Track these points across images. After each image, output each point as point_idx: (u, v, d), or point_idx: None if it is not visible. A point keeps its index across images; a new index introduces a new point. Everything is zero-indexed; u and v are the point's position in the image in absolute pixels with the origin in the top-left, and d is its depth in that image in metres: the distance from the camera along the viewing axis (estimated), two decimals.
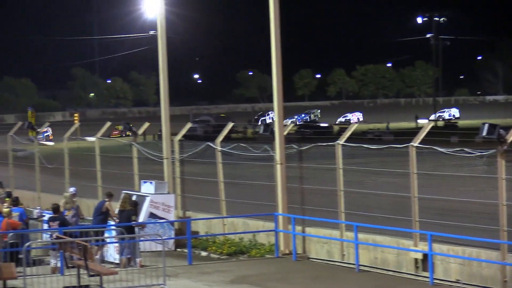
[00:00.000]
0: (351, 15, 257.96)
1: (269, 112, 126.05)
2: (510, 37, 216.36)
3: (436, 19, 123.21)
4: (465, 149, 27.28)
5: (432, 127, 29.29)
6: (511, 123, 33.03)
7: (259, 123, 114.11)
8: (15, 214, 30.48)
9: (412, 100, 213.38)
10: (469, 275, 24.88)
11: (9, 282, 24.24)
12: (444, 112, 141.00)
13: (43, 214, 33.59)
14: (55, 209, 30.39)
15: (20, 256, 25.41)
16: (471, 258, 24.91)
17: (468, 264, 24.98)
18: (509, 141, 24.27)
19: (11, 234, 29.28)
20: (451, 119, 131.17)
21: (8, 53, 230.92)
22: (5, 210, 30.30)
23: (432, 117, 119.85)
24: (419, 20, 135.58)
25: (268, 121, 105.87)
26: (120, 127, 72.59)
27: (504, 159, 24.39)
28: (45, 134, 62.41)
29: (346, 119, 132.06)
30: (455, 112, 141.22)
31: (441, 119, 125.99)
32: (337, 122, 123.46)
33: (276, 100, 32.36)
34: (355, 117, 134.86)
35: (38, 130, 47.96)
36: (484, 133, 25.35)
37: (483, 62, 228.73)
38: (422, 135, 27.12)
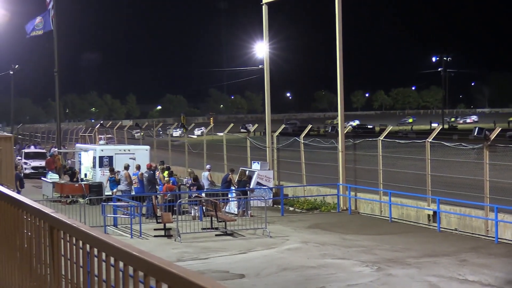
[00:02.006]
0: (387, 52, 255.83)
1: (334, 120, 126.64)
2: (492, 70, 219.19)
3: (445, 58, 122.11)
4: (463, 144, 27.06)
5: (441, 129, 29.02)
6: (493, 127, 32.54)
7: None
8: (171, 181, 30.97)
9: (428, 111, 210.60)
10: (464, 226, 24.67)
11: (168, 225, 24.63)
12: (466, 118, 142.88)
13: (188, 181, 34.07)
14: (195, 178, 30.81)
15: (175, 208, 25.85)
16: (465, 215, 24.71)
17: (463, 218, 24.78)
18: (491, 139, 24.06)
19: (169, 194, 29.77)
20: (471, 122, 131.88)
21: (167, 77, 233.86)
22: (166, 179, 30.82)
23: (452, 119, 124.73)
24: (433, 59, 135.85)
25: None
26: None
27: (488, 150, 24.17)
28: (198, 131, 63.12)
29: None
30: (474, 118, 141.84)
31: (449, 123, 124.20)
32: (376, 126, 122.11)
33: (340, 110, 32.42)
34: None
35: (187, 127, 48.59)
36: (475, 133, 25.17)
37: (475, 86, 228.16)
38: (434, 134, 26.97)
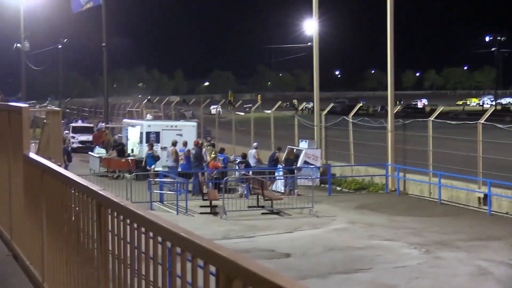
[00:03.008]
0: (439, 31, 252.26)
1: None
2: None
3: (499, 38, 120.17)
4: None
5: (493, 110, 28.60)
6: None
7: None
8: (221, 158, 31.01)
9: (479, 91, 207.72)
10: None
11: (214, 202, 24.76)
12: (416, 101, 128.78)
13: (236, 159, 34.17)
14: (243, 156, 30.88)
15: (221, 186, 25.93)
16: None
17: None
18: None
19: (215, 171, 29.88)
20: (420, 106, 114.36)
21: (215, 53, 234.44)
22: (212, 155, 30.84)
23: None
24: (487, 38, 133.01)
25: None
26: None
27: None
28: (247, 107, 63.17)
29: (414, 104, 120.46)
30: (425, 101, 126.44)
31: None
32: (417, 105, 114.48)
33: (389, 90, 32.15)
34: (422, 102, 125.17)
35: (235, 104, 48.64)
36: None
37: None
38: (486, 115, 26.60)
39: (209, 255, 3.38)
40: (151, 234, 4.33)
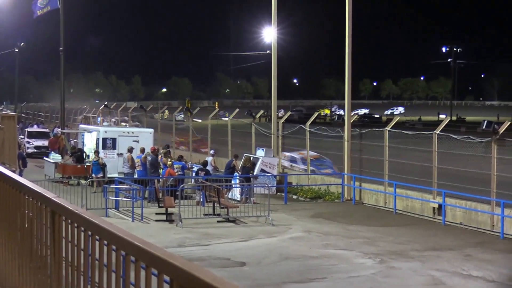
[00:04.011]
0: (397, 41, 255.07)
1: (335, 106, 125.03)
2: (503, 62, 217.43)
3: (455, 49, 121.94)
4: (471, 137, 26.99)
5: (449, 121, 28.93)
6: (502, 120, 32.40)
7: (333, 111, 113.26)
8: (177, 166, 30.81)
9: (436, 102, 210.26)
10: (469, 220, 24.65)
11: (170, 210, 24.67)
12: (393, 109, 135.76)
13: (193, 166, 34.07)
14: (204, 164, 30.82)
15: (177, 193, 25.81)
16: (470, 209, 24.70)
17: (468, 212, 24.76)
18: (500, 132, 24.01)
19: (171, 178, 29.72)
20: (399, 113, 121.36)
21: (173, 59, 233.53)
22: (169, 163, 30.65)
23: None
24: (443, 49, 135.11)
25: (338, 112, 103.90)
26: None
27: (496, 144, 24.13)
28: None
29: (391, 111, 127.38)
30: (401, 109, 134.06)
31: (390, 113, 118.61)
32: (384, 114, 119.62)
33: (347, 99, 32.38)
34: (398, 110, 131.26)
35: (192, 112, 48.53)
36: (484, 127, 25.12)
37: (485, 78, 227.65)
38: (442, 126, 26.92)
39: (163, 265, 3.39)
40: (105, 242, 4.32)
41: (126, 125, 45.01)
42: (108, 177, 32.44)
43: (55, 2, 46.26)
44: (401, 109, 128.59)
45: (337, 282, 16.23)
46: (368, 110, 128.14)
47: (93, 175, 33.17)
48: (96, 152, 34.34)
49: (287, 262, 18.10)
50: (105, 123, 48.30)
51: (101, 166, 33.54)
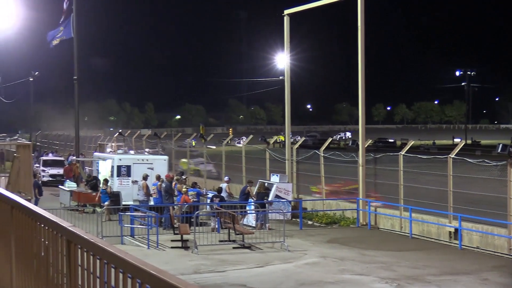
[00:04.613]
0: (410, 66, 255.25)
1: (346, 132, 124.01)
2: None
3: (469, 73, 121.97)
4: (486, 160, 26.89)
5: (464, 144, 28.84)
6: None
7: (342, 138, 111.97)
8: (192, 193, 30.76)
9: (450, 125, 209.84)
10: (486, 244, 24.50)
11: (185, 236, 24.66)
12: (341, 135, 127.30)
13: (208, 192, 34.05)
14: (219, 190, 30.82)
15: (192, 220, 25.80)
16: (487, 233, 24.55)
17: (485, 236, 24.62)
18: None
19: (186, 205, 29.70)
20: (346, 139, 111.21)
21: (187, 86, 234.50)
22: (184, 189, 30.64)
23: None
24: (457, 73, 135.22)
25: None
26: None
27: (511, 167, 24.03)
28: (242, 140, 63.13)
29: (339, 137, 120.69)
30: (349, 134, 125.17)
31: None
32: (333, 138, 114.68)
33: (360, 123, 32.36)
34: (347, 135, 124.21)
35: (206, 138, 48.60)
36: (499, 150, 25.01)
37: (499, 101, 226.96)
38: (456, 150, 26.85)
39: None
40: (121, 270, 4.33)
41: (146, 152, 45.05)
42: (123, 205, 32.46)
43: (69, 31, 46.64)
44: (348, 134, 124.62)
45: None
46: (351, 133, 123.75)
47: (101, 203, 33.10)
48: (105, 181, 34.33)
49: None
50: (119, 151, 48.37)
51: (109, 195, 33.40)
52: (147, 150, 47.63)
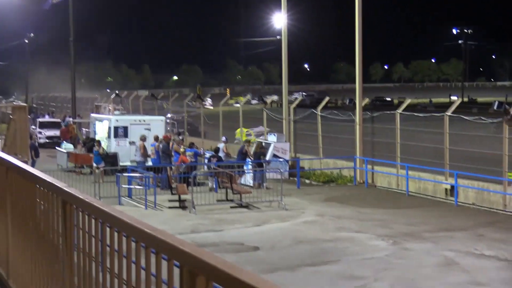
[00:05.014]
0: (408, 25, 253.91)
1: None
2: None
3: (465, 30, 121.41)
4: (482, 118, 26.93)
5: (460, 102, 28.87)
6: (511, 101, 32.43)
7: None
8: (189, 153, 30.77)
9: (447, 84, 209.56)
10: (481, 200, 24.64)
11: (183, 196, 24.72)
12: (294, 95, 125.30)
13: (205, 153, 34.04)
14: (216, 150, 30.81)
15: (190, 180, 25.84)
16: (482, 189, 24.66)
17: (480, 193, 24.74)
18: (511, 113, 23.94)
19: (184, 165, 29.74)
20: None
21: (184, 47, 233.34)
22: (181, 150, 30.65)
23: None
24: (454, 31, 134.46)
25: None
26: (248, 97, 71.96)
27: (507, 124, 24.05)
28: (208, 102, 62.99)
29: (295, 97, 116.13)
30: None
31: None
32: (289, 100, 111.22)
33: (358, 83, 32.31)
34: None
35: (204, 99, 48.52)
36: (495, 107, 25.10)
37: (496, 59, 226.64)
38: (453, 107, 26.84)
39: (172, 251, 3.41)
40: (116, 229, 4.35)
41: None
42: (121, 166, 32.45)
43: None
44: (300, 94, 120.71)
45: (351, 264, 16.25)
46: (306, 93, 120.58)
47: (94, 164, 32.92)
48: (98, 142, 34.05)
49: (300, 246, 18.14)
50: (116, 112, 48.36)
51: (102, 156, 33.20)
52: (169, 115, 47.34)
